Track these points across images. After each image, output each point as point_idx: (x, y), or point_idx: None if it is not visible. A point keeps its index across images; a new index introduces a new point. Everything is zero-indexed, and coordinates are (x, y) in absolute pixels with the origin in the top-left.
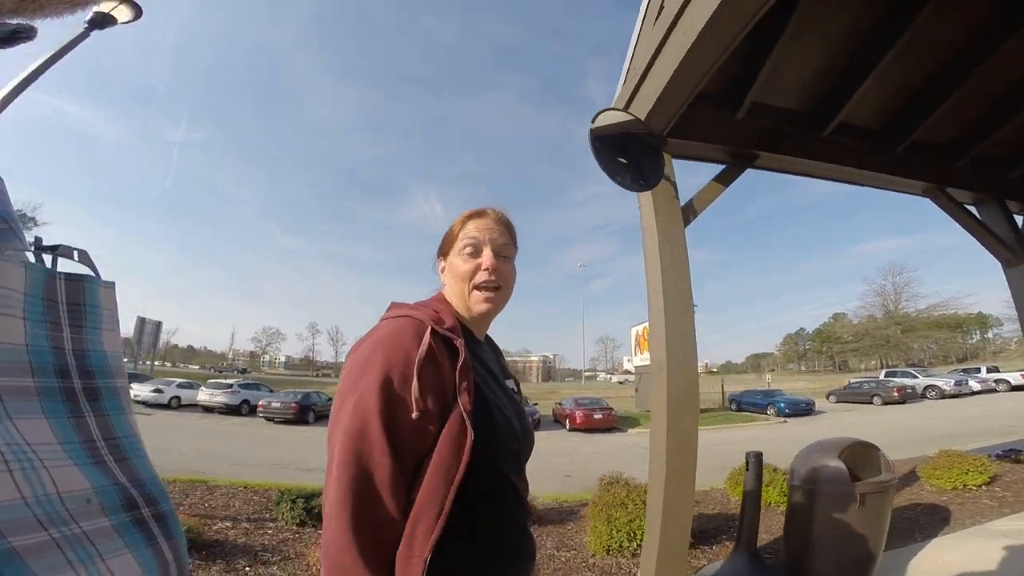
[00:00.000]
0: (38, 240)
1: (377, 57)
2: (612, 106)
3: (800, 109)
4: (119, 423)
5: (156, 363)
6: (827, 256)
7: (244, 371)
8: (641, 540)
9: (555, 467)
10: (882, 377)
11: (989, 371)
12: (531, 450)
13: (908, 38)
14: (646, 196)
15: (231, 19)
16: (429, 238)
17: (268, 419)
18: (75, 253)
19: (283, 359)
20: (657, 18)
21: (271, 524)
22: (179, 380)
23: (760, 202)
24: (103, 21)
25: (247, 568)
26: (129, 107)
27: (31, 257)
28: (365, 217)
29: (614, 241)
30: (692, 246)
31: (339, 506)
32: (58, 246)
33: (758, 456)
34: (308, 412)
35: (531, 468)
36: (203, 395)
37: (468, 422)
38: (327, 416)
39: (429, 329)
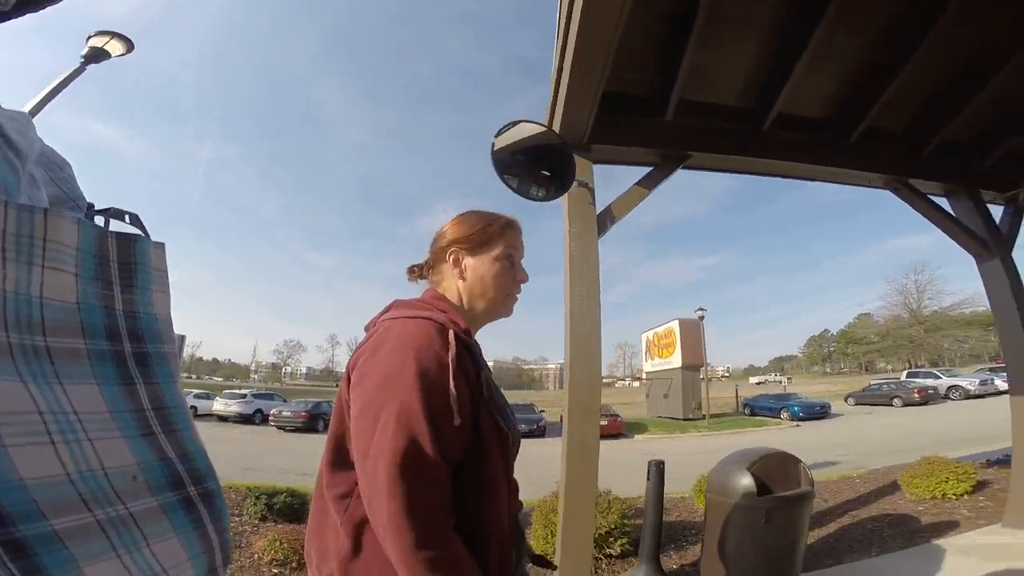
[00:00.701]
0: (90, 205)
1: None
2: (524, 119)
3: (735, 104)
4: (169, 391)
5: (182, 375)
6: (853, 254)
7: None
8: None
9: (549, 474)
10: (903, 378)
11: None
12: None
13: (835, 16)
14: (565, 204)
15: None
16: None
17: (279, 428)
18: (127, 216)
19: (304, 370)
20: (557, 33)
21: (236, 519)
22: (196, 391)
23: (780, 202)
24: (97, 56)
25: None
26: (155, 126)
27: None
28: (385, 232)
29: (637, 247)
30: (707, 251)
31: (405, 522)
32: (110, 208)
33: (659, 465)
34: (318, 420)
35: (526, 474)
36: (218, 405)
37: (504, 426)
38: None
39: (452, 332)
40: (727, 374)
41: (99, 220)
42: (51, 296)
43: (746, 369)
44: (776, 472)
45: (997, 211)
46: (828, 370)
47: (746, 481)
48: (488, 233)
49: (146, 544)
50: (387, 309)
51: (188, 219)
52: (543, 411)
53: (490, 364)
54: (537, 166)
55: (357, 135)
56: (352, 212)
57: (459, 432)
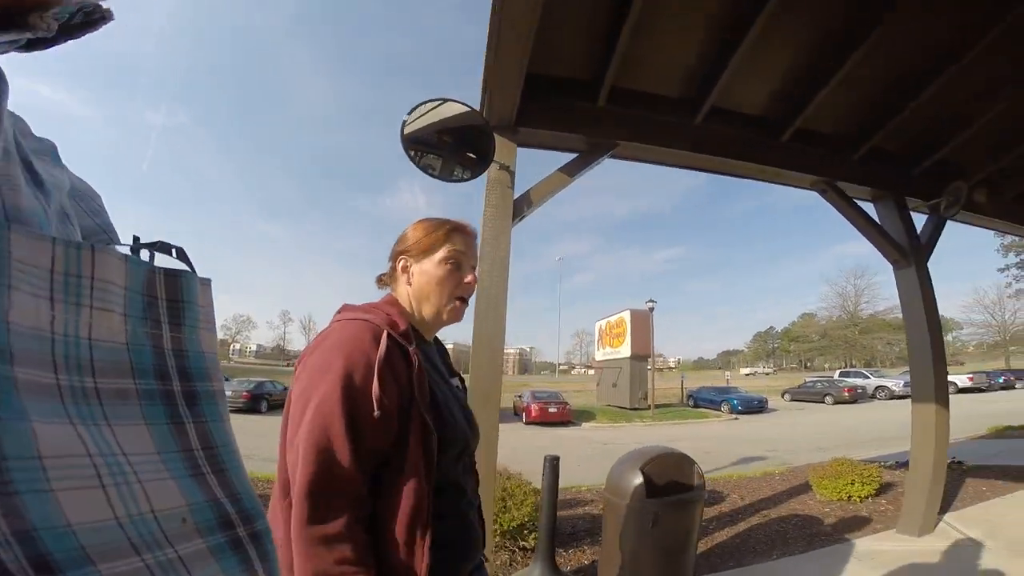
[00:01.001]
0: (135, 239)
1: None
2: (450, 98)
3: (670, 95)
4: (218, 430)
5: None
6: (805, 256)
7: None
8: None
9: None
10: (836, 377)
11: None
12: (476, 444)
13: (774, 13)
14: (485, 187)
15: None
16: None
17: None
18: (173, 250)
19: (254, 347)
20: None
21: None
22: None
23: (745, 202)
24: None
25: None
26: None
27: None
28: (344, 205)
29: (597, 236)
30: (670, 243)
31: (304, 501)
32: (157, 242)
33: (554, 461)
34: (261, 401)
35: None
36: None
37: (431, 424)
38: (282, 405)
39: (386, 333)
40: (669, 366)
41: (143, 253)
42: (100, 337)
43: (696, 361)
44: (669, 473)
45: (921, 220)
46: (772, 366)
47: (637, 481)
48: (432, 239)
49: None
50: (338, 311)
51: (137, 185)
52: None
53: (450, 347)
54: (462, 147)
55: (320, 105)
56: (310, 182)
57: (380, 424)
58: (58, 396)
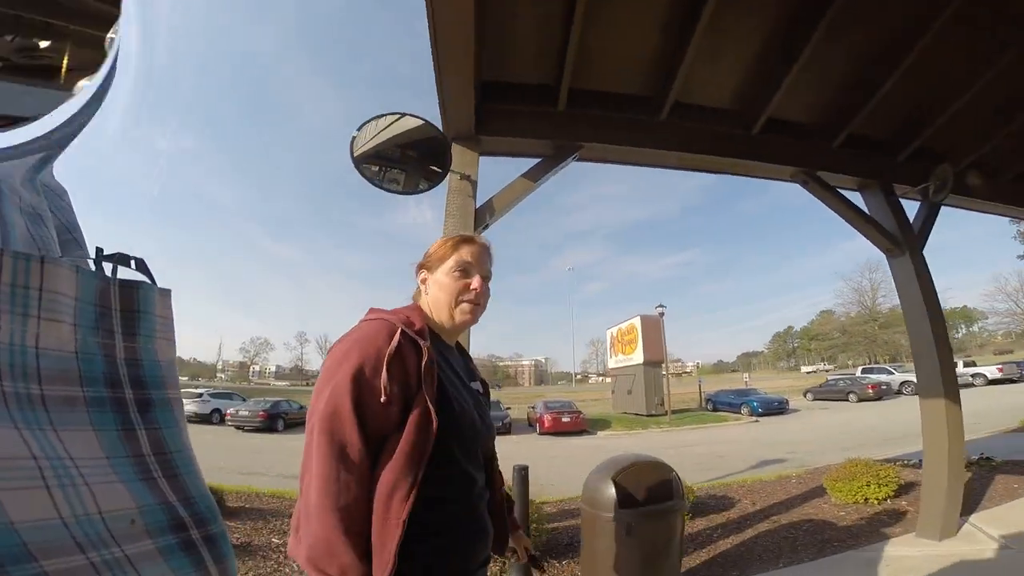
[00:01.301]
0: (99, 250)
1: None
2: (407, 112)
3: (631, 93)
4: (172, 436)
5: None
6: (820, 253)
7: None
8: None
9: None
10: (859, 374)
11: (966, 365)
12: (491, 441)
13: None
14: (446, 196)
15: None
16: (418, 245)
17: (238, 427)
18: (132, 261)
19: (273, 368)
20: None
21: None
22: None
23: (754, 200)
24: None
25: None
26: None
27: (91, 266)
28: (356, 224)
29: (608, 245)
30: (680, 247)
31: (316, 476)
32: (116, 254)
33: (523, 471)
34: (277, 420)
35: None
36: None
37: (432, 410)
38: (299, 424)
39: (399, 330)
40: (687, 370)
41: (107, 265)
42: (48, 346)
43: (715, 365)
44: (643, 481)
45: (913, 208)
46: (794, 365)
47: (609, 492)
48: (443, 251)
49: None
50: (366, 313)
51: (148, 210)
52: (509, 408)
53: (483, 357)
54: (425, 160)
55: (323, 121)
56: (317, 201)
57: (385, 408)
58: (2, 401)
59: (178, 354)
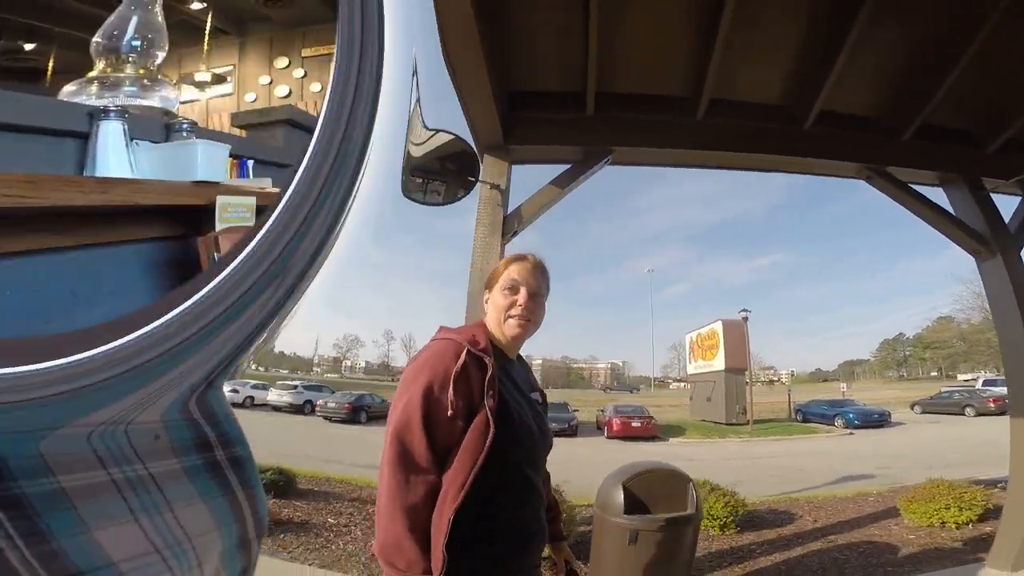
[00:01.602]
0: None
1: None
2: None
3: (663, 94)
4: None
5: (251, 367)
6: (930, 254)
7: None
8: None
9: (558, 474)
10: (979, 386)
11: None
12: (548, 450)
13: None
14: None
15: None
16: None
17: (326, 418)
18: None
19: (363, 364)
20: None
21: None
22: (254, 382)
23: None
24: None
25: None
26: None
27: None
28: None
29: (690, 246)
30: (769, 249)
31: (388, 480)
32: None
33: None
34: (360, 412)
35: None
36: (272, 395)
37: (491, 420)
38: (380, 417)
39: (465, 349)
40: (778, 378)
41: None
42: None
43: (812, 373)
44: (656, 490)
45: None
46: (905, 375)
47: (618, 497)
48: (498, 272)
49: (168, 508)
50: (436, 333)
51: None
52: (576, 411)
53: (538, 362)
54: (460, 173)
55: None
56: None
57: (452, 421)
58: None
59: (280, 350)
